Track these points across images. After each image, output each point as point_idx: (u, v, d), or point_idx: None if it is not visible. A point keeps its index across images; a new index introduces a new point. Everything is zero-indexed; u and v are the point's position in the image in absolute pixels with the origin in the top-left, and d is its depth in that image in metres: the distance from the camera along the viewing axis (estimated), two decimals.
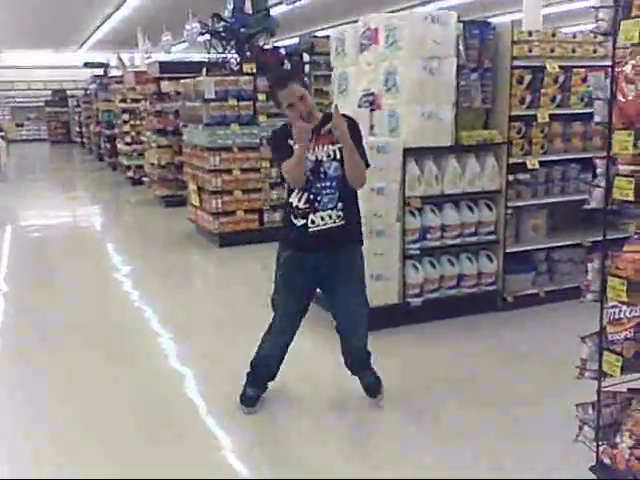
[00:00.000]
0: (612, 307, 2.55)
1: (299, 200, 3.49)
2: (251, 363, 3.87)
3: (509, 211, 5.24)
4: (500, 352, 4.63)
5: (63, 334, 5.30)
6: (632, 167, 2.48)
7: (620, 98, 2.50)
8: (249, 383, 3.87)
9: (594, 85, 2.68)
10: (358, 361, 3.84)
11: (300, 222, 3.50)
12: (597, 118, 2.66)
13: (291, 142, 3.45)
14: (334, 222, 3.48)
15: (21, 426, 3.82)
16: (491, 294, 5.26)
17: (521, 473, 3.14)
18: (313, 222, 3.47)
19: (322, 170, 3.45)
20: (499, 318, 5.20)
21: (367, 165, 3.54)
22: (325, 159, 3.46)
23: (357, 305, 3.68)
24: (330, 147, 3.46)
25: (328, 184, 3.46)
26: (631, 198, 2.42)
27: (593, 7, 2.61)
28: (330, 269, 3.57)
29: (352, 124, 3.48)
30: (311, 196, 3.46)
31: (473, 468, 3.21)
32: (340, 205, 3.49)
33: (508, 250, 5.25)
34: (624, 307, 2.52)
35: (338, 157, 3.45)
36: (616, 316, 2.54)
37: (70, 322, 5.60)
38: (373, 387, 3.86)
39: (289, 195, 3.57)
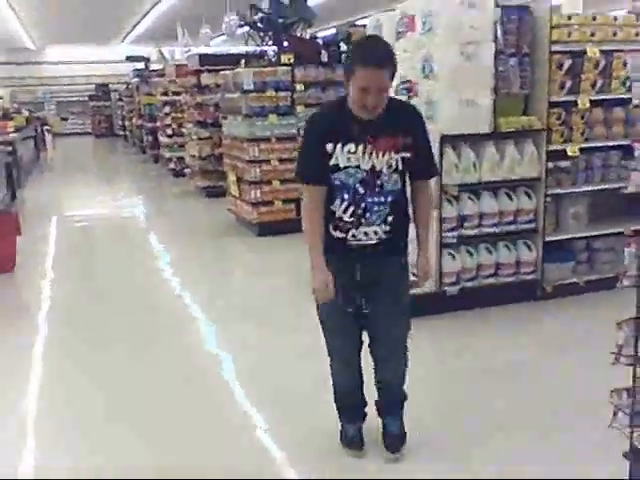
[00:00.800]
0: None
1: (343, 212, 2.83)
2: (335, 399, 3.28)
3: (548, 199, 5.16)
4: (539, 341, 4.58)
5: (107, 318, 5.48)
6: None
7: None
8: (344, 419, 3.27)
9: (633, 67, 2.63)
10: (388, 401, 3.23)
11: (339, 235, 2.87)
12: (636, 101, 2.62)
13: (329, 146, 2.74)
14: (379, 238, 2.87)
15: (69, 400, 3.94)
16: (530, 283, 5.19)
17: (555, 459, 3.14)
18: (354, 236, 2.85)
19: (378, 183, 2.78)
20: (538, 307, 5.15)
21: (436, 173, 3.20)
22: (385, 170, 2.78)
23: (397, 327, 3.06)
24: (393, 155, 2.76)
25: (382, 200, 2.81)
26: None
27: None
28: (370, 281, 2.92)
29: (418, 118, 2.91)
30: (359, 210, 2.81)
31: (511, 453, 3.21)
32: (390, 219, 2.86)
33: (548, 239, 5.18)
34: None
35: (400, 168, 2.80)
36: None
37: (113, 307, 5.79)
38: (396, 439, 3.18)
39: (329, 200, 2.85)
